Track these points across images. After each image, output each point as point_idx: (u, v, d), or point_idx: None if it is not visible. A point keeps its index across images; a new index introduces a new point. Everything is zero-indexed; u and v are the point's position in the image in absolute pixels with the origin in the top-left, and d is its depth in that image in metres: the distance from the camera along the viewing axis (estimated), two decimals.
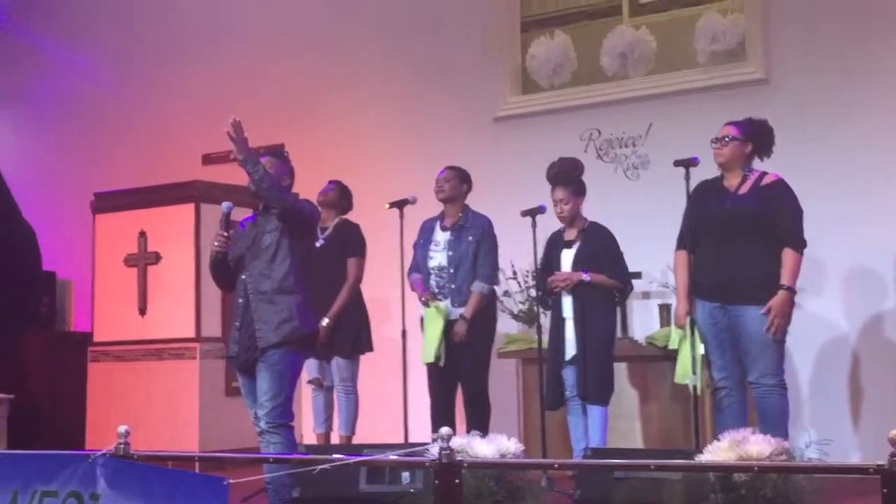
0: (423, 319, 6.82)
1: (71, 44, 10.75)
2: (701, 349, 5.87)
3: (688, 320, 5.91)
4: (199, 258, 8.01)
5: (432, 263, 6.87)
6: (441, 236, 6.91)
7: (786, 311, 5.71)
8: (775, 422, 5.65)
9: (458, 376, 6.77)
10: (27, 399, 9.14)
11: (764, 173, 5.94)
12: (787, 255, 5.77)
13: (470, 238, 6.83)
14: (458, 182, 6.94)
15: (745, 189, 5.90)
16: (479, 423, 6.43)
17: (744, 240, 5.79)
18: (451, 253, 6.83)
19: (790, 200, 5.86)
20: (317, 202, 6.39)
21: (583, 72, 8.46)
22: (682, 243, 6.09)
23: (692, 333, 5.88)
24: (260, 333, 5.40)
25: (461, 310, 6.75)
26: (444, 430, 3.99)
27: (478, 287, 6.76)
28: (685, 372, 5.92)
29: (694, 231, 6.00)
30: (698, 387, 5.93)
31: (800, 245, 5.80)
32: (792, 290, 5.74)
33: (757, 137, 5.99)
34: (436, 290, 6.79)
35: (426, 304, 6.75)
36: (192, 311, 8.12)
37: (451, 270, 6.80)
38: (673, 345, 6.13)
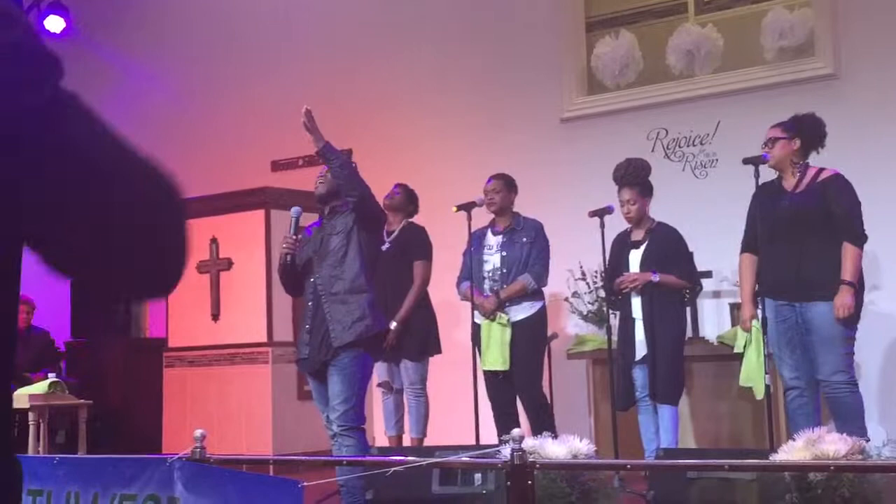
0: (477, 326, 6.81)
1: (138, 56, 10.92)
2: (765, 350, 5.84)
3: (753, 323, 5.88)
4: (269, 263, 8.11)
5: (486, 267, 6.87)
6: (493, 240, 6.91)
7: (848, 306, 5.65)
8: (851, 420, 5.60)
9: (515, 385, 6.77)
10: (105, 405, 9.31)
11: (821, 169, 5.89)
12: (847, 249, 5.72)
13: (524, 240, 6.83)
14: (507, 191, 6.94)
15: (801, 187, 5.86)
16: (544, 426, 6.43)
17: (806, 237, 5.75)
18: (504, 254, 6.83)
19: (847, 194, 5.80)
20: (382, 206, 6.45)
21: (649, 71, 8.42)
22: (745, 246, 6.10)
23: (758, 336, 5.85)
24: (334, 334, 5.45)
25: (517, 312, 6.74)
26: (516, 431, 4.01)
27: (524, 278, 6.74)
28: (749, 375, 5.91)
29: (756, 233, 5.96)
30: (763, 389, 5.87)
31: (858, 239, 5.74)
32: (852, 286, 5.68)
33: (804, 132, 5.94)
34: (489, 294, 6.79)
35: (490, 317, 6.73)
36: (264, 315, 8.23)
37: (505, 271, 6.80)
38: (738, 348, 6.11)
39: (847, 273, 5.68)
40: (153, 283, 1.18)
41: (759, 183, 5.95)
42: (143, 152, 1.14)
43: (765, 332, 5.84)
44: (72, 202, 1.06)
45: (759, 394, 5.93)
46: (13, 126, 1.02)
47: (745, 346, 5.99)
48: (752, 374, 5.87)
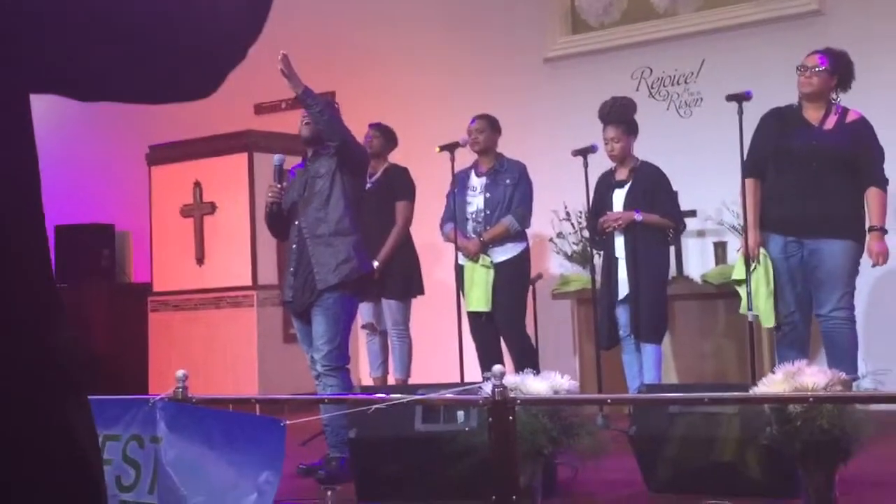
0: (461, 267, 6.81)
1: None
2: (772, 279, 5.82)
3: (761, 250, 5.85)
4: (253, 207, 8.08)
5: (470, 209, 6.85)
6: (477, 181, 6.89)
7: (885, 252, 5.72)
8: (844, 355, 5.64)
9: (497, 325, 6.78)
10: (90, 350, 9.31)
11: (847, 109, 5.86)
12: (874, 194, 5.72)
13: (507, 181, 6.80)
14: (490, 132, 6.90)
15: (830, 124, 5.82)
16: (528, 366, 6.45)
17: (828, 175, 5.73)
18: (488, 195, 6.81)
19: (875, 139, 5.82)
20: None
21: (633, 10, 8.35)
22: (751, 171, 5.94)
23: (766, 264, 5.82)
24: (319, 276, 5.45)
25: (501, 253, 6.74)
26: (497, 367, 4.02)
27: (507, 220, 6.73)
28: (756, 304, 5.83)
29: (767, 161, 5.90)
30: (772, 317, 5.86)
31: (885, 184, 5.77)
32: (884, 230, 5.69)
33: (842, 70, 5.90)
34: (472, 236, 6.78)
35: (473, 258, 6.73)
36: (249, 259, 8.22)
37: (488, 212, 6.78)
38: (738, 275, 6.03)
39: (877, 218, 5.69)
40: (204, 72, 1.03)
41: (744, 120, 5.89)
42: None
43: (768, 264, 5.84)
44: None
45: (768, 321, 5.90)
46: None
47: (747, 276, 5.90)
48: (761, 302, 5.84)
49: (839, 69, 5.87)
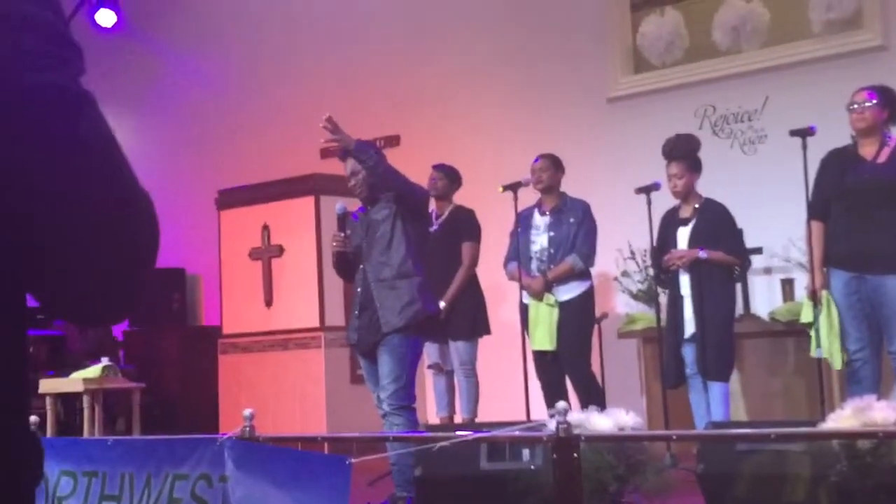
0: (525, 306, 6.83)
1: (187, 48, 11.04)
2: (837, 321, 5.79)
3: (825, 293, 5.83)
4: (320, 249, 8.17)
5: (534, 248, 6.87)
6: (541, 220, 6.91)
7: None
8: None
9: (562, 364, 6.78)
10: (162, 392, 9.45)
11: None
12: None
13: (571, 220, 6.81)
14: (554, 170, 6.93)
15: (883, 158, 5.79)
16: (594, 403, 6.43)
17: (884, 209, 5.70)
18: (552, 234, 6.83)
19: None
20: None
21: (695, 48, 8.36)
22: (816, 213, 5.96)
23: (830, 305, 5.80)
24: (384, 319, 5.49)
25: (565, 292, 6.74)
26: (561, 404, 4.02)
27: (571, 258, 6.74)
28: (824, 345, 5.82)
29: (828, 200, 5.89)
30: (840, 358, 5.83)
31: None
32: None
33: (892, 104, 5.88)
34: (537, 275, 6.79)
35: (537, 297, 6.74)
36: (316, 301, 8.30)
37: (552, 251, 6.79)
38: (806, 318, 6.02)
39: None
40: (108, 309, 1.12)
41: (808, 156, 5.88)
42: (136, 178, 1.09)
43: (833, 305, 5.80)
44: (65, 204, 1.01)
45: (837, 364, 5.90)
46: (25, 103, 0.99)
47: (814, 317, 5.90)
48: (827, 344, 5.81)
49: (889, 103, 5.85)
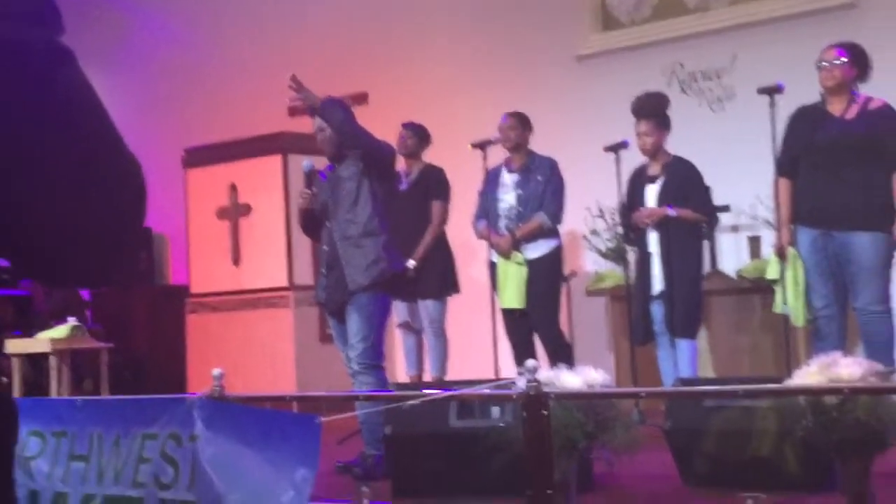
0: (493, 265, 6.83)
1: (154, 2, 10.90)
2: (802, 278, 5.82)
3: (791, 250, 5.85)
4: (288, 208, 8.14)
5: (502, 206, 6.84)
6: (509, 178, 6.89)
7: None
8: (882, 348, 5.61)
9: (531, 322, 6.79)
10: (130, 352, 9.41)
11: (869, 98, 5.83)
12: None
13: (539, 178, 6.79)
14: (521, 129, 6.89)
15: (851, 114, 5.79)
16: (563, 363, 6.45)
17: (853, 166, 5.70)
18: (520, 192, 6.80)
19: None
20: (398, 153, 6.47)
21: (664, 5, 8.34)
22: (783, 170, 5.96)
23: (796, 262, 5.82)
24: (350, 277, 5.49)
25: (533, 250, 6.74)
26: (531, 362, 4.03)
27: (539, 216, 6.71)
28: (788, 301, 5.85)
29: (796, 157, 5.89)
30: (803, 315, 5.87)
31: None
32: None
33: (861, 62, 5.88)
34: (505, 233, 6.78)
35: (505, 255, 6.73)
36: (284, 260, 8.28)
37: (521, 209, 6.78)
38: (772, 275, 6.05)
39: None
40: (97, 273, 1.11)
41: (776, 114, 5.89)
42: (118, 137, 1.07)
43: (800, 261, 5.83)
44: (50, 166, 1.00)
45: (799, 320, 5.92)
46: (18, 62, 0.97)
47: (779, 273, 5.93)
48: (792, 300, 5.85)
49: (858, 60, 5.85)
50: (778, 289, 5.95)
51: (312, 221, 5.76)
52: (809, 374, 3.98)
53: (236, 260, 8.55)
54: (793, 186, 5.93)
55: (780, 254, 5.92)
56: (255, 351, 8.31)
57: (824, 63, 5.83)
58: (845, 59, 5.80)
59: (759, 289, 6.95)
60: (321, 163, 5.89)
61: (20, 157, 0.98)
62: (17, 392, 7.05)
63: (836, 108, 5.84)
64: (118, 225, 1.05)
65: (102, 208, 1.02)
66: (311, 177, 5.71)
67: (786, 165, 5.94)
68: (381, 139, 5.69)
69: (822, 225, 5.79)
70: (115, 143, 1.03)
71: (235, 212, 8.56)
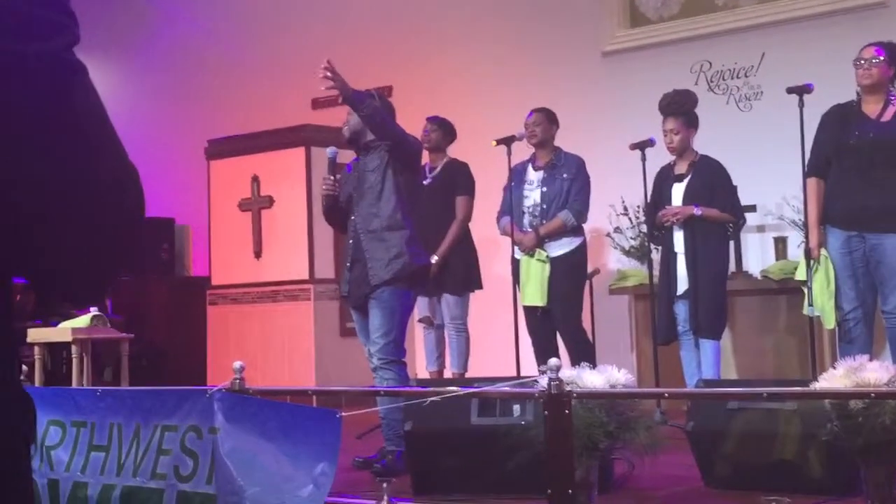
0: (516, 262, 6.79)
1: None
2: (833, 280, 5.76)
3: (822, 251, 5.79)
4: (310, 201, 8.12)
5: (527, 203, 6.81)
6: (534, 175, 6.85)
7: None
8: None
9: (553, 320, 6.75)
10: (150, 343, 9.42)
11: None
12: None
13: (564, 175, 6.75)
14: (547, 125, 6.85)
15: (888, 116, 5.72)
16: (585, 361, 6.41)
17: (886, 168, 5.64)
18: (545, 189, 6.77)
19: None
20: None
21: (692, 2, 8.28)
22: (815, 170, 5.90)
23: (827, 263, 5.76)
24: (372, 271, 5.45)
25: (557, 248, 6.70)
26: (553, 361, 3.99)
27: (563, 214, 6.68)
28: (817, 303, 5.79)
29: (828, 158, 5.83)
30: (833, 317, 5.80)
31: None
32: None
33: None
34: (529, 230, 6.75)
35: (529, 252, 6.69)
36: (306, 253, 8.26)
37: (545, 206, 6.74)
38: (800, 276, 5.99)
39: None
40: (88, 280, 1.08)
41: (805, 114, 5.82)
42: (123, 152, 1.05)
43: (830, 263, 5.77)
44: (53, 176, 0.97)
45: (829, 323, 5.87)
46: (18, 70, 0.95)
47: (807, 274, 5.86)
48: (821, 302, 5.79)
49: (895, 60, 5.79)
50: (806, 290, 5.89)
51: (335, 211, 5.71)
52: (835, 378, 3.93)
53: (258, 252, 8.54)
54: (824, 187, 5.87)
55: (810, 255, 5.85)
56: (275, 344, 8.30)
57: (862, 61, 5.77)
58: (883, 58, 5.73)
59: (784, 290, 6.89)
60: (348, 156, 5.85)
61: (29, 172, 0.96)
62: (37, 381, 7.06)
63: (871, 108, 5.77)
64: (119, 232, 1.03)
65: (102, 217, 1.01)
66: (334, 164, 5.67)
67: (817, 165, 5.88)
68: (408, 133, 5.65)
69: (853, 227, 5.72)
70: (118, 154, 1.01)
71: (258, 204, 8.54)
